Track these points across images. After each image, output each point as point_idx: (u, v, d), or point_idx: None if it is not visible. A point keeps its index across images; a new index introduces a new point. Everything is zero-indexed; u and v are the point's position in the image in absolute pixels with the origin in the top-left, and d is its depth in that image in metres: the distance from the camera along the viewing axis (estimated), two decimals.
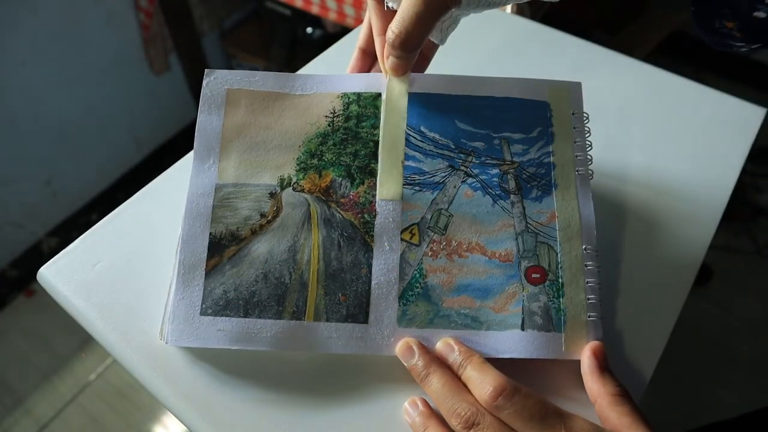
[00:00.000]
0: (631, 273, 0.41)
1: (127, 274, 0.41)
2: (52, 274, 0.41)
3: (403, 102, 0.38)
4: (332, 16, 1.09)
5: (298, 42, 1.47)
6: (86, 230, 0.43)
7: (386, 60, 0.37)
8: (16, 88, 1.18)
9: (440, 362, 0.33)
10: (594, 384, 0.32)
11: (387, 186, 0.37)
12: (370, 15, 0.39)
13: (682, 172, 0.48)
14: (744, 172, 0.49)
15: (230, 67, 1.65)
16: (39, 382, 1.28)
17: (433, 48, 0.41)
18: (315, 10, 1.11)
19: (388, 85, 0.39)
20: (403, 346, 0.34)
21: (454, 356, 0.33)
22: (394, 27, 0.34)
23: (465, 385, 0.32)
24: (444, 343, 0.34)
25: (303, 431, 0.34)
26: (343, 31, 1.12)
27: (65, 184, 1.39)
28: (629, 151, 0.49)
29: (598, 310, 0.35)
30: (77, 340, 1.32)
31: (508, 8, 0.83)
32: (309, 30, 1.44)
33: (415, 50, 0.35)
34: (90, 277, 0.40)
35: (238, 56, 1.59)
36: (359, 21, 1.04)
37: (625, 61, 0.57)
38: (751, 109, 0.53)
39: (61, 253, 0.42)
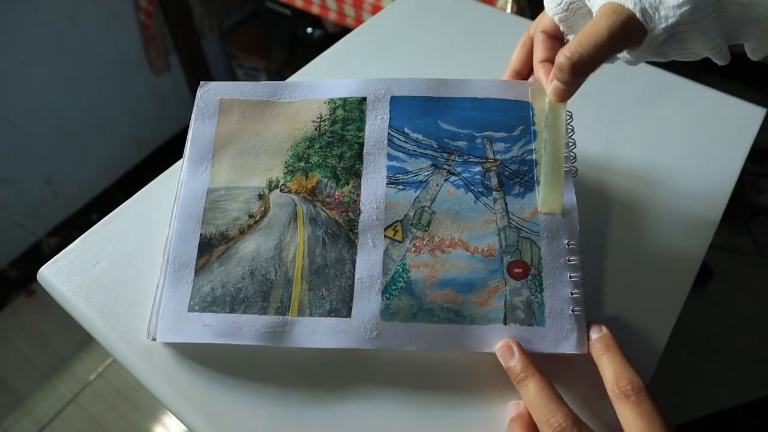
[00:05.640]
0: (631, 273, 0.41)
1: (127, 274, 0.41)
2: (52, 274, 0.41)
3: (563, 124, 0.38)
4: (332, 16, 1.09)
5: (298, 42, 1.47)
6: (86, 230, 0.43)
7: (549, 84, 0.37)
8: (16, 88, 1.18)
9: (538, 367, 0.33)
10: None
11: (550, 200, 0.37)
12: (536, 45, 0.39)
13: (682, 172, 0.48)
14: (744, 172, 0.49)
15: (230, 67, 1.65)
16: (39, 382, 1.28)
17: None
18: (315, 10, 1.11)
19: (547, 109, 0.39)
20: (504, 345, 0.34)
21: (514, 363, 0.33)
22: (568, 51, 0.33)
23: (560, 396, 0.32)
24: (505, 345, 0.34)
25: (301, 430, 0.34)
26: (343, 31, 1.12)
27: (65, 184, 1.39)
28: (629, 151, 0.49)
29: (581, 305, 0.35)
30: (77, 340, 1.32)
31: (508, 8, 0.83)
32: (309, 30, 1.44)
33: (582, 77, 0.34)
34: (90, 277, 0.40)
35: (238, 56, 1.59)
36: (359, 21, 1.04)
37: None
38: (751, 109, 0.53)
39: (61, 253, 0.42)
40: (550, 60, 0.38)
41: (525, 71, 0.41)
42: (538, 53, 0.39)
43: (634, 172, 0.48)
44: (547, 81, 0.37)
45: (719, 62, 0.34)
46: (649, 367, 0.37)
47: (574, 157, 0.39)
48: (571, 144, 0.39)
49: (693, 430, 0.66)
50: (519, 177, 0.38)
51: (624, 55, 0.35)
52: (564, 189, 0.37)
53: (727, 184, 0.47)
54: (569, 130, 0.39)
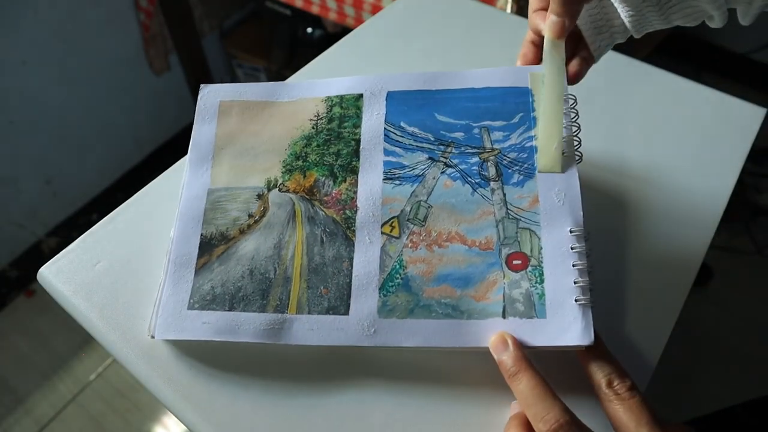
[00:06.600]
0: (631, 273, 0.41)
1: (127, 274, 0.41)
2: (52, 274, 0.41)
3: (563, 63, 0.37)
4: (332, 16, 1.09)
5: (298, 42, 1.47)
6: (86, 230, 0.43)
7: (546, 21, 0.37)
8: (16, 88, 1.18)
9: (531, 363, 0.31)
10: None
11: (546, 155, 0.36)
12: (531, 1, 0.39)
13: (682, 172, 0.48)
14: (744, 172, 0.49)
15: (230, 67, 1.65)
16: (39, 382, 1.28)
17: (590, 60, 0.40)
18: (315, 10, 1.11)
19: (545, 59, 0.38)
20: (497, 338, 0.32)
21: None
22: None
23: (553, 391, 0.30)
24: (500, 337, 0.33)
25: (302, 430, 0.34)
26: (343, 31, 1.12)
27: (65, 184, 1.39)
28: (629, 151, 0.50)
29: (587, 293, 0.33)
30: (77, 340, 1.32)
31: (508, 8, 0.83)
32: (309, 30, 1.44)
33: (577, 5, 0.34)
34: (90, 277, 0.40)
35: (238, 56, 1.59)
36: (359, 21, 1.04)
37: (625, 61, 0.57)
38: (751, 109, 0.53)
39: (61, 253, 0.42)
40: (545, 9, 0.37)
41: (539, 40, 0.41)
42: (533, 4, 0.38)
43: (633, 172, 0.48)
44: (543, 23, 0.37)
45: (718, 21, 0.34)
46: (649, 367, 0.37)
47: (579, 142, 0.37)
48: (575, 129, 0.37)
49: (693, 430, 0.66)
50: (518, 165, 0.37)
51: (624, 9, 0.35)
52: (563, 146, 0.36)
53: (727, 184, 0.47)
54: (573, 114, 0.37)
